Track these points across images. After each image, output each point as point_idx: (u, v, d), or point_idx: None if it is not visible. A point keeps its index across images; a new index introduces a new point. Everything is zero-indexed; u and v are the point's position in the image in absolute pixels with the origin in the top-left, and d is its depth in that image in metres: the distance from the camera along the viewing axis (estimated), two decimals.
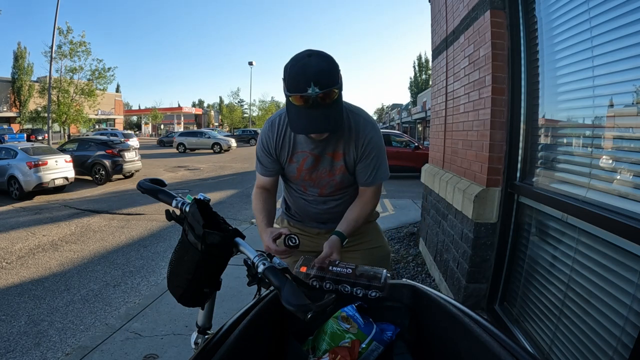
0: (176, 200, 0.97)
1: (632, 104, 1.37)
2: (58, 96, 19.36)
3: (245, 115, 53.49)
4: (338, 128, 1.09)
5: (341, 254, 1.49)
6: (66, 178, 8.66)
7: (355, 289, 0.98)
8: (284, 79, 1.05)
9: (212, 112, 56.65)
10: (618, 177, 1.43)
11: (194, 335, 1.02)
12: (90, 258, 4.38)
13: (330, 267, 1.03)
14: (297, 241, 1.09)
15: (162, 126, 47.94)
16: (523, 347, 0.73)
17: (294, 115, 1.07)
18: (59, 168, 8.48)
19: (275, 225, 1.28)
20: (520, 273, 2.10)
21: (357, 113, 1.25)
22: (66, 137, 21.69)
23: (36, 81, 25.94)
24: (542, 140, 2.01)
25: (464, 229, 2.49)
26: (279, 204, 1.61)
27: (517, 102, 2.13)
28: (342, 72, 1.10)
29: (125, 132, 25.96)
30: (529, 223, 2.05)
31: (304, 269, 1.04)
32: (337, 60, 1.07)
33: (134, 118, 52.49)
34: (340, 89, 1.06)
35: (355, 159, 1.27)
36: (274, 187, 1.38)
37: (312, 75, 0.99)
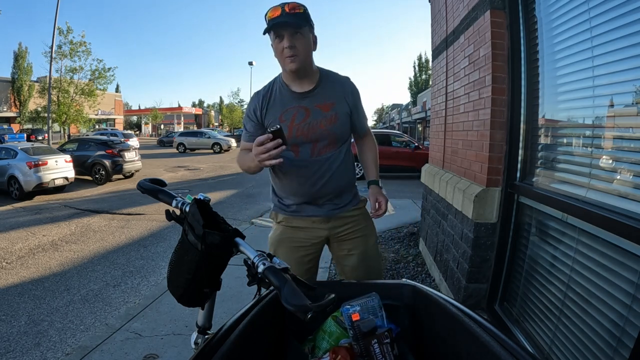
0: (176, 200, 0.97)
1: (632, 104, 1.37)
2: (58, 96, 19.34)
3: None
4: (303, 21, 1.27)
5: (336, 244, 1.55)
6: (66, 178, 8.66)
7: None
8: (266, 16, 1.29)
9: (212, 112, 56.63)
10: (618, 177, 1.43)
11: (194, 335, 1.02)
12: (90, 258, 4.38)
13: (373, 342, 0.92)
14: (279, 125, 1.10)
15: (162, 126, 47.94)
16: (523, 347, 0.73)
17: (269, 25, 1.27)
18: (59, 168, 8.48)
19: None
20: (520, 273, 2.10)
21: (332, 72, 1.48)
22: (66, 137, 21.70)
23: (36, 81, 25.94)
24: (542, 140, 2.01)
25: (464, 229, 2.49)
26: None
27: (517, 102, 2.13)
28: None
29: (125, 132, 26.01)
30: (529, 223, 2.05)
31: (356, 317, 0.93)
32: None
33: (134, 118, 52.50)
34: (307, 11, 1.29)
35: (349, 111, 1.44)
36: None
37: (284, 2, 1.27)
